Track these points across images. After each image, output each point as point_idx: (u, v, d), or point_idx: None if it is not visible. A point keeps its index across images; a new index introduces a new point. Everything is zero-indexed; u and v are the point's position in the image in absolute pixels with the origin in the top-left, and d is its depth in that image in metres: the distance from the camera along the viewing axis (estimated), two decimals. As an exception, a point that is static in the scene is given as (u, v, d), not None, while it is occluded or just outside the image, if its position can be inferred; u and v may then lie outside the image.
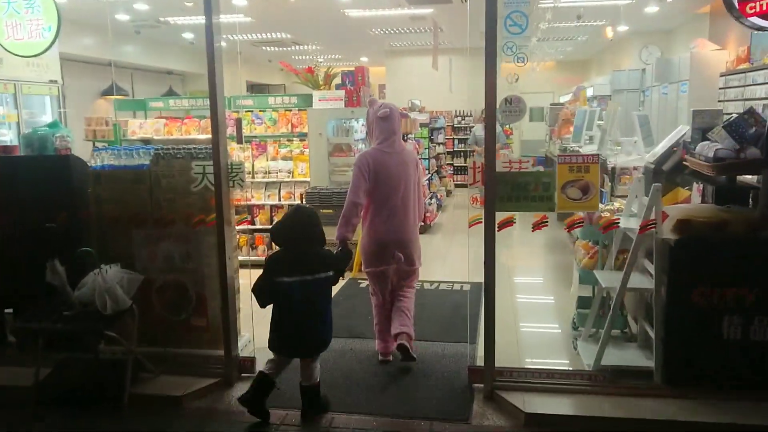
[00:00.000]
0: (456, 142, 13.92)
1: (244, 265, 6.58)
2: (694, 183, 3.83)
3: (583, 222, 3.65)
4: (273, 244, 3.56)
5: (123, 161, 4.13)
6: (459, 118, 13.96)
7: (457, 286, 5.81)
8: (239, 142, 5.74)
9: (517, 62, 3.22)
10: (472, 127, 13.77)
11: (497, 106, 3.42)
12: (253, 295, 3.43)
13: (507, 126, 14.34)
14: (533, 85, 18.09)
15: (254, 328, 4.33)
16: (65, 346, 3.82)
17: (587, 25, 10.48)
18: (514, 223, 3.48)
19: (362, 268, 4.19)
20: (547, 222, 3.50)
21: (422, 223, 8.48)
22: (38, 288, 3.65)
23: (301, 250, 3.36)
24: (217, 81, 3.67)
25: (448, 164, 13.09)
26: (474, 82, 13.92)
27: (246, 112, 6.74)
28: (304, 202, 6.10)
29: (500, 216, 3.52)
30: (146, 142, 6.88)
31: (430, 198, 9.01)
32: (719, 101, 7.92)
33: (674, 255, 3.37)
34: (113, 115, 6.80)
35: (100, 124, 6.76)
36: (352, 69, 6.65)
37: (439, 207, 9.87)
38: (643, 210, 3.75)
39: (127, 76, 11.94)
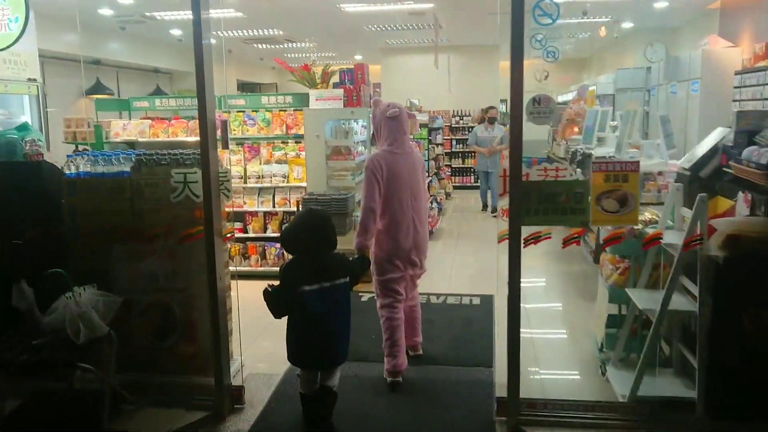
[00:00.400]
0: (454, 142, 13.53)
1: (238, 275, 6.19)
2: (740, 192, 3.45)
3: (621, 238, 3.26)
4: (284, 251, 3.28)
5: (101, 168, 3.71)
6: (457, 118, 13.57)
7: (465, 300, 5.41)
8: (225, 146, 5.30)
9: (547, 57, 2.82)
10: (472, 127, 13.40)
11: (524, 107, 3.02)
12: (267, 307, 3.18)
13: (507, 125, 13.98)
14: (529, 84, 17.79)
15: (248, 350, 3.93)
16: (34, 378, 3.39)
17: (591, 22, 10.11)
18: (548, 238, 3.10)
19: (377, 277, 3.83)
20: (579, 238, 3.12)
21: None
22: (3, 313, 3.23)
23: (318, 256, 3.18)
24: (207, 81, 3.25)
25: (446, 165, 12.70)
26: (473, 81, 13.44)
27: (237, 112, 6.31)
28: (300, 209, 5.69)
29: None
30: (131, 144, 6.44)
31: (431, 202, 8.61)
32: (734, 100, 7.56)
33: (723, 274, 3.00)
34: (95, 116, 6.33)
35: (81, 125, 6.30)
36: (351, 67, 6.24)
37: (440, 211, 9.47)
38: (681, 222, 3.38)
39: (113, 74, 11.46)
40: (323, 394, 3.24)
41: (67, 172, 3.71)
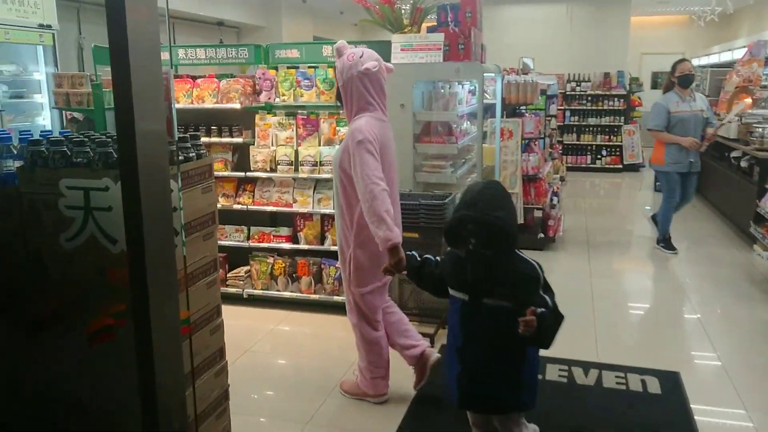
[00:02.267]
0: (568, 114, 11.09)
1: (283, 302, 4.36)
2: None
3: None
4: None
5: (-29, 165, 1.88)
6: (573, 84, 11.07)
7: (633, 381, 3.28)
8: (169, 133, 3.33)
9: None
10: (592, 96, 10.88)
11: None
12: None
13: (635, 96, 11.36)
14: (655, 43, 14.89)
15: None
16: None
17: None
18: None
19: (357, 288, 2.97)
20: None
21: (542, 236, 5.93)
22: None
23: None
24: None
25: (558, 142, 10.33)
26: (596, 40, 10.45)
27: (289, 68, 4.37)
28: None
29: None
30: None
31: (552, 197, 6.41)
32: None
33: None
34: (95, 70, 4.60)
35: (79, 84, 4.60)
36: (457, 0, 4.15)
37: (560, 207, 7.20)
38: None
39: (169, 26, 9.88)
40: None
41: None
